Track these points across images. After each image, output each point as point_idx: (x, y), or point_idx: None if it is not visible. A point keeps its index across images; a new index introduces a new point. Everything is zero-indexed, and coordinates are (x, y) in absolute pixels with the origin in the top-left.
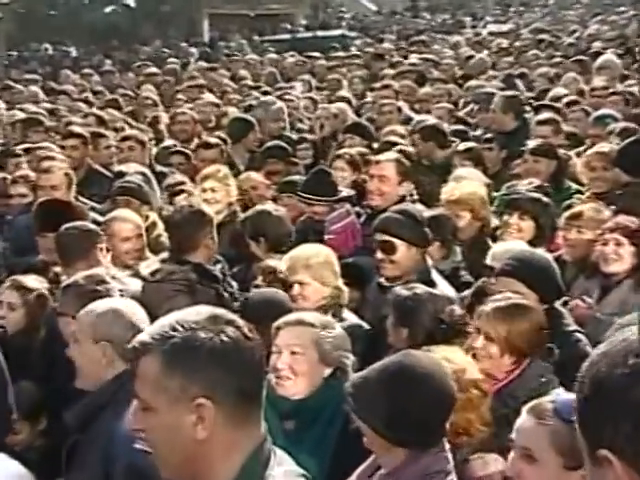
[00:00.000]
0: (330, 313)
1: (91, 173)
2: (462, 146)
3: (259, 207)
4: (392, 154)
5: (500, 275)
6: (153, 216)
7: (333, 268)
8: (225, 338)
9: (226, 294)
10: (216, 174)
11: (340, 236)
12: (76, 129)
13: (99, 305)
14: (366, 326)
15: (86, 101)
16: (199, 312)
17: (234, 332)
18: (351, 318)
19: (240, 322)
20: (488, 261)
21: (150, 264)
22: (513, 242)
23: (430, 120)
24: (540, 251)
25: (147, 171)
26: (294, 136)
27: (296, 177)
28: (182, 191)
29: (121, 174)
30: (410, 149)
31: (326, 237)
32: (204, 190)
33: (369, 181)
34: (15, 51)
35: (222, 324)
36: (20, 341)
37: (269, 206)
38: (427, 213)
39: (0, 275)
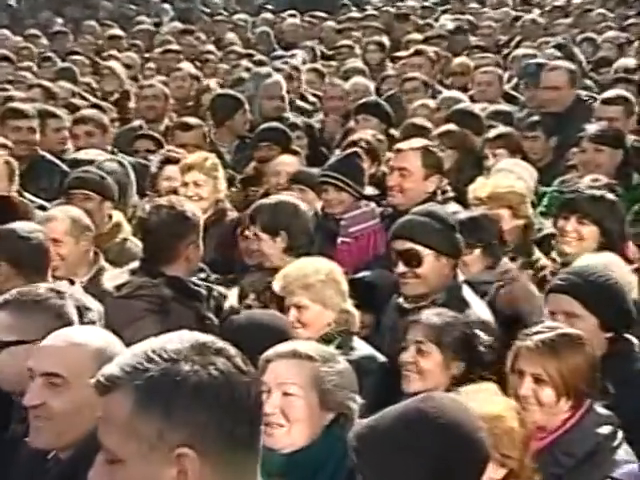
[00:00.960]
0: (336, 343)
1: (38, 162)
2: (493, 132)
3: (277, 196)
4: (417, 141)
5: (553, 291)
6: (118, 216)
7: (339, 287)
8: (214, 372)
9: (212, 316)
10: (202, 164)
11: (359, 241)
12: (20, 106)
13: (87, 335)
14: (381, 358)
15: (31, 70)
16: (182, 339)
17: (225, 364)
18: (363, 348)
19: (232, 351)
20: None
21: (115, 276)
22: (604, 255)
23: (462, 103)
24: (605, 262)
25: (124, 160)
26: (294, 119)
27: (312, 169)
28: (177, 161)
29: (77, 163)
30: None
31: (340, 240)
32: (186, 184)
33: (389, 175)
34: None
35: (210, 354)
36: None
37: (291, 197)
38: (465, 214)
39: None
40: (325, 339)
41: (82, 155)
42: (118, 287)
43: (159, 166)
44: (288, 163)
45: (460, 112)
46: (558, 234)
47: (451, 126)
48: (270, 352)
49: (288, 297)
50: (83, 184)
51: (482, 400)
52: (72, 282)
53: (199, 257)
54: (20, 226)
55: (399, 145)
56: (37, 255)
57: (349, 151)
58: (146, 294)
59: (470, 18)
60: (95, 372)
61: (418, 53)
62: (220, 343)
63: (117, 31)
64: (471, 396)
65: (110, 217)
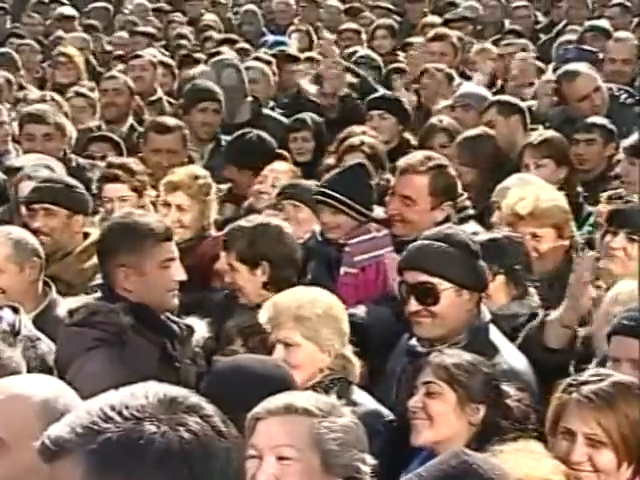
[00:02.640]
0: (333, 393)
1: None
2: (537, 137)
3: (256, 217)
4: (424, 160)
5: (617, 333)
6: (94, 234)
7: (338, 327)
8: (186, 434)
9: (189, 362)
10: (190, 184)
11: (367, 273)
12: None
13: (32, 385)
14: (388, 414)
15: None
16: (146, 392)
17: (199, 425)
18: (366, 402)
19: (209, 409)
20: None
21: (80, 301)
22: None
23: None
24: None
25: (56, 163)
26: (280, 118)
27: (305, 182)
28: (116, 178)
29: (14, 170)
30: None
31: (344, 270)
32: (166, 204)
33: (389, 198)
34: None
35: (181, 412)
36: None
37: (273, 219)
38: (483, 236)
39: None
40: (317, 388)
41: (22, 161)
42: (71, 312)
43: (97, 186)
44: (278, 170)
45: (505, 103)
46: (603, 252)
47: (469, 133)
48: (259, 408)
49: (275, 331)
50: (44, 197)
51: (524, 462)
52: (16, 310)
53: (140, 288)
54: None
55: (402, 163)
56: None
57: (353, 162)
58: (101, 321)
59: None
60: (41, 432)
61: (438, 38)
62: (194, 398)
63: (68, 10)
64: (510, 457)
65: (86, 235)
